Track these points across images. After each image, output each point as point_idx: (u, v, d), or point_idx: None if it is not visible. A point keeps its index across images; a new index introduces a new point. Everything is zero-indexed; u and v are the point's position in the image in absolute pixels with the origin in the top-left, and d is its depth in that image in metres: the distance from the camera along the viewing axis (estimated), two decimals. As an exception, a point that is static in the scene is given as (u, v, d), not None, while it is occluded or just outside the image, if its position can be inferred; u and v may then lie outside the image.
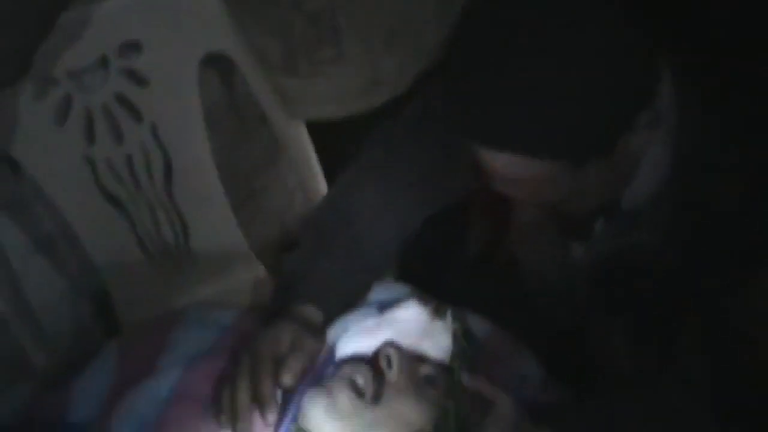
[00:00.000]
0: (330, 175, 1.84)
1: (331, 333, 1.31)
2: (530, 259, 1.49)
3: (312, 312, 1.31)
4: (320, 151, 1.87)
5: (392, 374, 1.18)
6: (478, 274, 1.61)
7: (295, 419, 1.16)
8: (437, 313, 1.31)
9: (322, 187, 1.86)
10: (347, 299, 1.36)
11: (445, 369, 1.23)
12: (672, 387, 1.21)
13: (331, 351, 1.28)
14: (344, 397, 1.15)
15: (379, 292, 1.42)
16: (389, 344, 1.21)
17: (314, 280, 1.33)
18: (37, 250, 1.66)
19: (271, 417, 1.16)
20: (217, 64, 1.74)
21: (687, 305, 1.21)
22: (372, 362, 1.20)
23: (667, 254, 1.23)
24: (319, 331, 1.30)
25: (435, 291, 1.41)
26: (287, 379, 1.19)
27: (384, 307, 1.35)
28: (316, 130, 1.84)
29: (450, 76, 1.13)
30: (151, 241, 1.76)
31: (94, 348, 1.41)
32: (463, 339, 1.27)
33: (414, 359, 1.22)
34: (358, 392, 1.16)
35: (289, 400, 1.18)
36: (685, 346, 1.22)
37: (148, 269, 1.77)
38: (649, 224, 1.25)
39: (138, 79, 1.67)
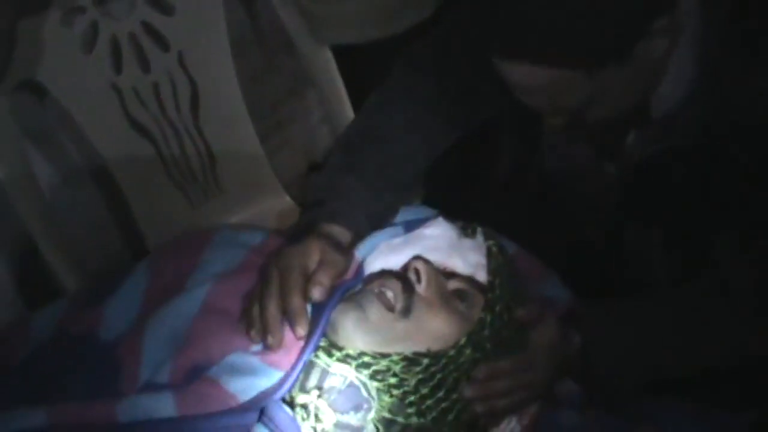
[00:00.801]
0: (358, 105, 1.83)
1: (359, 250, 1.31)
2: (562, 176, 1.49)
3: (340, 231, 1.31)
4: (348, 81, 1.86)
5: (421, 287, 1.18)
6: (507, 198, 1.61)
7: (325, 333, 1.17)
8: (466, 231, 1.31)
9: (349, 117, 1.85)
10: (375, 219, 1.36)
11: (476, 283, 1.23)
12: (710, 293, 1.22)
13: (360, 267, 1.28)
14: (374, 310, 1.16)
15: (406, 214, 1.42)
16: (418, 258, 1.22)
17: (342, 199, 1.33)
18: (66, 180, 1.68)
19: (302, 330, 1.16)
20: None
21: (724, 215, 1.21)
22: (401, 276, 1.20)
23: (701, 159, 1.24)
24: (346, 248, 1.30)
25: (463, 215, 1.40)
26: (316, 293, 1.19)
27: (411, 226, 1.35)
28: (344, 59, 1.84)
29: None
30: (178, 169, 1.78)
31: (124, 272, 1.42)
32: (500, 254, 1.27)
33: (443, 273, 1.23)
34: (388, 305, 1.17)
35: (318, 314, 1.18)
36: (724, 257, 1.22)
37: (175, 197, 1.79)
38: (681, 129, 1.25)
39: (164, 7, 1.68)
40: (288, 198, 1.89)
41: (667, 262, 1.36)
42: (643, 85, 1.21)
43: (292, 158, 1.98)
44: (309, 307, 1.20)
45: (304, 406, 1.12)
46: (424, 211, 1.44)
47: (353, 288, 1.23)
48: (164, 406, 1.09)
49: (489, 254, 1.27)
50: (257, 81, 1.86)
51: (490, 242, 1.28)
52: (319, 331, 1.15)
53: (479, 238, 1.30)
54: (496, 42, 1.13)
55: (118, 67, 1.66)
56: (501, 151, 1.63)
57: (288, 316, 1.17)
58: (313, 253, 1.24)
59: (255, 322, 1.18)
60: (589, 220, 1.47)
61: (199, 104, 1.76)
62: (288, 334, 1.17)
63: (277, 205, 1.87)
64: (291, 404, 1.13)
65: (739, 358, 1.24)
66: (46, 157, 1.66)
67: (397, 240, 1.31)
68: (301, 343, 1.16)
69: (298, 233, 1.31)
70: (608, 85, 1.15)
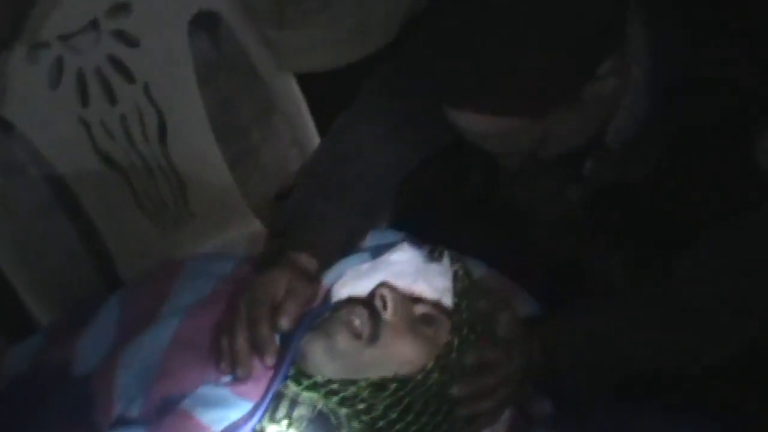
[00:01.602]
0: (323, 130, 1.85)
1: (327, 277, 1.33)
2: (525, 200, 1.51)
3: (307, 259, 1.33)
4: (313, 106, 1.88)
5: (388, 314, 1.20)
6: (474, 220, 1.63)
7: (294, 362, 1.18)
8: (432, 255, 1.32)
9: (316, 141, 1.86)
10: (342, 245, 1.38)
11: (442, 307, 1.25)
12: (664, 296, 1.24)
13: (327, 295, 1.30)
14: (342, 338, 1.18)
15: (373, 239, 1.44)
16: (384, 285, 1.23)
17: (309, 227, 1.35)
18: (36, 213, 1.69)
19: (270, 360, 1.18)
20: (207, 21, 1.76)
21: (683, 232, 1.23)
22: (368, 303, 1.22)
23: (660, 185, 1.25)
24: (313, 277, 1.32)
25: (431, 236, 1.41)
26: (284, 323, 1.21)
27: (378, 252, 1.36)
28: (308, 85, 1.85)
29: (420, 35, 1.16)
30: (149, 200, 1.78)
31: (97, 303, 1.43)
32: (466, 278, 1.28)
33: (409, 299, 1.24)
34: (356, 333, 1.18)
35: (287, 344, 1.20)
36: (682, 269, 1.24)
37: (146, 227, 1.79)
38: (637, 157, 1.27)
39: (129, 40, 1.69)
40: (258, 223, 1.89)
41: (626, 283, 1.38)
42: (595, 122, 1.22)
43: (262, 183, 1.98)
44: (277, 338, 1.21)
45: (274, 436, 1.13)
46: (391, 236, 1.45)
47: (321, 316, 1.24)
48: None
49: (455, 278, 1.28)
50: (224, 108, 1.87)
51: (456, 266, 1.29)
52: (287, 361, 1.17)
53: (446, 262, 1.31)
54: (441, 89, 1.14)
55: (84, 101, 1.67)
56: (467, 172, 1.65)
57: (256, 347, 1.19)
58: (280, 283, 1.26)
59: (224, 354, 1.19)
60: (553, 242, 1.49)
61: (166, 134, 1.76)
62: (258, 365, 1.19)
63: (248, 230, 1.87)
64: (262, 433, 1.14)
65: (694, 360, 1.26)
66: (16, 191, 1.66)
67: (364, 266, 1.33)
68: (270, 373, 1.18)
69: (266, 262, 1.32)
70: (558, 127, 1.16)
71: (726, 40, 1.18)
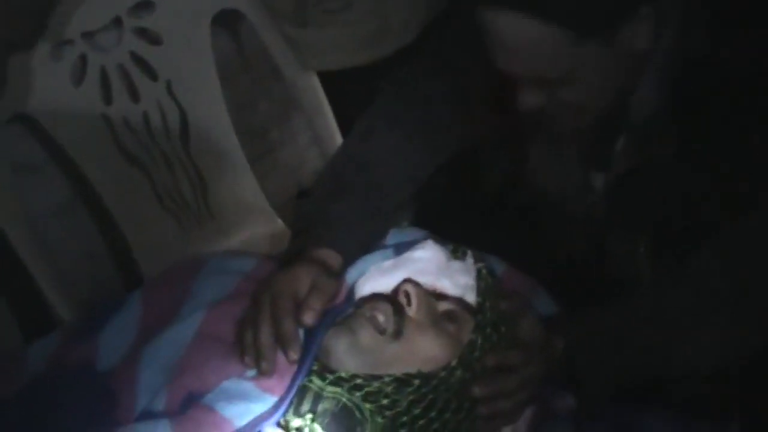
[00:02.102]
0: (345, 128, 1.86)
1: (350, 274, 1.33)
2: (549, 190, 1.50)
3: (330, 255, 1.33)
4: (334, 104, 1.89)
5: (412, 310, 1.20)
6: (495, 216, 1.63)
7: (317, 357, 1.18)
8: (455, 253, 1.33)
9: (337, 140, 1.87)
10: (364, 243, 1.38)
11: (466, 305, 1.25)
12: (687, 296, 1.24)
13: (350, 291, 1.30)
14: (366, 334, 1.18)
15: (395, 236, 1.44)
16: (408, 281, 1.23)
17: (332, 224, 1.35)
18: (59, 210, 1.70)
19: (294, 355, 1.18)
20: (229, 20, 1.77)
21: (706, 223, 1.24)
22: (392, 299, 1.22)
23: (682, 169, 1.26)
24: (337, 273, 1.32)
25: (452, 235, 1.42)
26: (308, 318, 1.21)
27: (401, 249, 1.37)
28: (330, 83, 1.86)
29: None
30: (170, 197, 1.79)
31: (118, 301, 1.43)
32: (489, 276, 1.28)
33: (433, 296, 1.25)
34: (379, 328, 1.18)
35: (310, 339, 1.20)
36: (705, 259, 1.24)
37: (167, 225, 1.80)
38: (660, 136, 1.27)
39: (151, 37, 1.71)
40: (279, 221, 1.90)
41: (651, 272, 1.38)
42: (622, 79, 1.24)
43: (283, 182, 2.00)
44: (301, 332, 1.21)
45: (299, 430, 1.14)
46: (414, 233, 1.45)
47: (344, 312, 1.25)
48: None
49: (479, 276, 1.28)
50: (246, 107, 1.89)
51: (480, 265, 1.30)
52: (310, 356, 1.17)
53: (469, 260, 1.31)
54: None
55: (108, 98, 1.68)
56: (489, 170, 1.65)
57: (280, 342, 1.19)
58: (304, 278, 1.26)
59: (248, 349, 1.19)
60: (575, 235, 1.49)
61: (188, 132, 1.78)
62: (281, 359, 1.19)
63: (269, 228, 1.89)
64: (286, 428, 1.15)
65: (716, 362, 1.26)
66: (39, 189, 1.68)
67: (387, 263, 1.33)
68: (294, 367, 1.18)
69: (289, 259, 1.33)
70: (589, 65, 1.17)
71: (756, 30, 1.19)
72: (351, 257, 1.35)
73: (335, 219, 1.36)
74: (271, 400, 1.15)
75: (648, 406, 1.28)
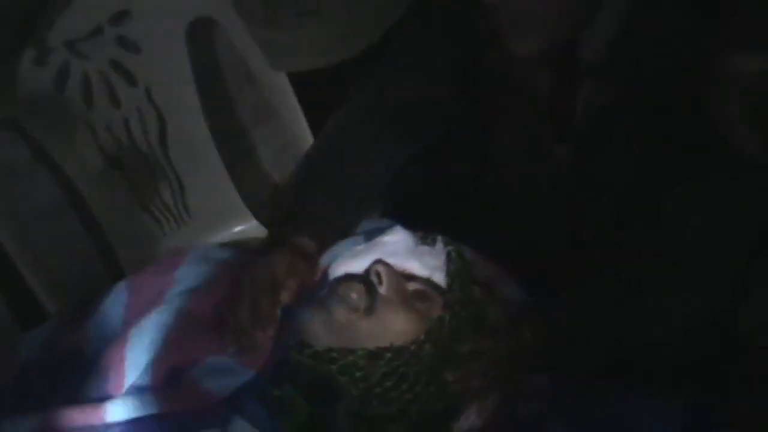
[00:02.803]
0: (316, 129, 1.91)
1: (324, 258, 1.39)
2: (518, 168, 1.53)
3: (306, 242, 1.40)
4: (305, 106, 1.95)
5: (383, 288, 1.25)
6: (463, 205, 1.68)
7: (295, 333, 1.25)
8: (424, 240, 1.38)
9: (310, 140, 1.93)
10: (339, 231, 1.45)
11: (434, 285, 1.30)
12: (656, 266, 1.30)
13: (325, 273, 1.37)
14: (340, 311, 1.24)
15: (366, 225, 1.51)
16: (379, 261, 1.29)
17: (308, 215, 1.42)
18: (46, 212, 1.76)
19: (271, 331, 1.25)
20: (203, 27, 1.83)
21: (670, 170, 1.29)
22: (364, 279, 1.28)
23: (642, 113, 1.31)
24: (312, 257, 1.39)
25: (420, 227, 1.45)
26: (284, 297, 1.28)
27: (372, 236, 1.43)
28: (300, 85, 1.92)
29: None
30: (150, 199, 1.86)
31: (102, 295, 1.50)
32: (459, 258, 1.33)
33: (403, 276, 1.30)
34: (352, 306, 1.24)
35: (287, 317, 1.27)
36: (670, 218, 1.29)
37: (148, 226, 1.86)
38: (617, 77, 1.32)
39: (131, 45, 1.77)
40: (255, 222, 1.97)
41: (621, 233, 1.41)
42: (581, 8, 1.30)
43: (259, 184, 2.05)
44: (279, 312, 1.29)
45: (279, 399, 1.20)
46: (384, 223, 1.52)
47: (320, 292, 1.31)
48: (149, 405, 1.17)
49: (449, 258, 1.33)
50: (222, 111, 1.95)
51: (450, 248, 1.35)
52: (287, 332, 1.24)
53: (438, 245, 1.36)
54: None
55: (90, 103, 1.75)
56: (458, 156, 1.70)
57: (258, 320, 1.26)
58: (282, 262, 1.33)
59: (229, 327, 1.27)
60: (545, 213, 1.52)
61: (167, 136, 1.84)
62: (260, 336, 1.26)
63: (246, 230, 1.95)
64: (266, 399, 1.21)
65: (684, 327, 1.31)
66: (26, 191, 1.73)
67: (359, 247, 1.39)
68: (271, 343, 1.25)
69: (268, 246, 1.40)
70: None
71: None
72: (326, 243, 1.42)
73: (311, 208, 1.43)
74: (251, 374, 1.21)
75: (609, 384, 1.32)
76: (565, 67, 1.36)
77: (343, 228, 1.46)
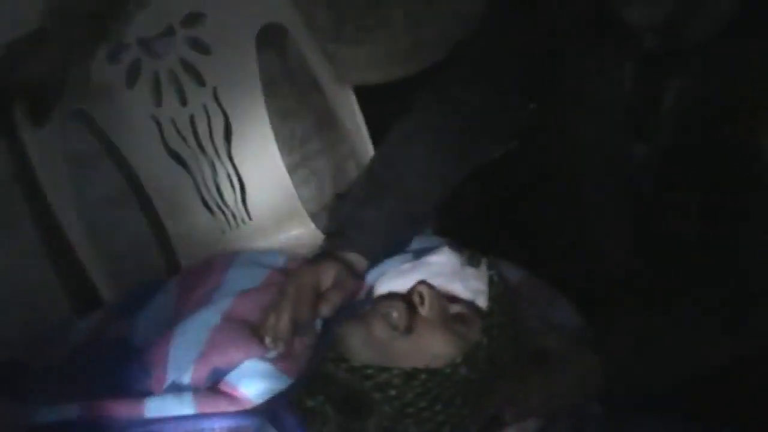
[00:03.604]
0: (378, 141, 1.93)
1: (370, 275, 1.41)
2: (590, 169, 1.49)
3: (357, 258, 1.42)
4: (369, 118, 1.98)
5: (424, 309, 1.27)
6: (517, 225, 1.69)
7: (332, 345, 1.26)
8: (470, 260, 1.39)
9: (371, 152, 1.95)
10: (391, 248, 1.46)
11: (476, 308, 1.31)
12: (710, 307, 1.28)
13: (369, 291, 1.39)
14: (380, 328, 1.25)
15: (416, 243, 1.53)
16: (422, 282, 1.30)
17: (363, 229, 1.43)
18: (109, 201, 1.81)
19: (307, 340, 1.28)
20: (273, 34, 1.88)
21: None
22: (406, 298, 1.29)
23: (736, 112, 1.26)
24: (360, 274, 1.41)
25: (474, 242, 1.46)
26: (325, 310, 1.30)
27: (420, 254, 1.44)
28: (365, 98, 1.95)
29: None
30: (210, 196, 1.90)
31: (156, 286, 1.54)
32: (500, 283, 1.34)
33: (445, 298, 1.31)
34: (393, 324, 1.25)
35: (326, 330, 1.30)
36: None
37: (207, 222, 1.90)
38: (715, 71, 1.27)
39: (201, 46, 1.82)
40: (313, 227, 2.00)
41: (703, 236, 1.36)
42: None
43: (319, 191, 2.09)
44: (319, 322, 1.31)
45: (311, 410, 1.22)
46: (434, 241, 1.53)
47: (362, 308, 1.33)
48: (186, 405, 1.21)
49: (490, 283, 1.34)
50: (286, 117, 1.98)
51: (492, 272, 1.35)
52: (325, 342, 1.26)
53: (482, 267, 1.37)
54: None
55: (158, 100, 1.80)
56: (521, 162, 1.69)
57: (297, 327, 1.29)
58: (328, 273, 1.36)
59: (269, 331, 1.29)
60: (617, 219, 1.48)
61: (231, 136, 1.88)
62: (298, 344, 1.29)
63: (304, 234, 1.98)
64: (299, 408, 1.22)
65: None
66: (92, 181, 1.80)
67: (405, 266, 1.40)
68: (310, 352, 1.28)
69: (318, 256, 1.42)
70: None
71: None
72: (376, 261, 1.44)
73: (366, 224, 1.44)
74: (287, 380, 1.24)
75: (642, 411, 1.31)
76: (656, 56, 1.32)
77: (395, 245, 1.48)
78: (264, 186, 1.95)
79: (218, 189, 1.91)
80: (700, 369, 1.31)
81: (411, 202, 1.47)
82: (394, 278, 1.38)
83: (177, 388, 1.25)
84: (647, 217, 1.43)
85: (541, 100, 1.49)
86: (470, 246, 1.45)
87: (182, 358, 1.28)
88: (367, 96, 1.94)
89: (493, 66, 1.51)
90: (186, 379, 1.26)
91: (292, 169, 2.00)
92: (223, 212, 1.92)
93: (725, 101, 1.29)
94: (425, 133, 1.51)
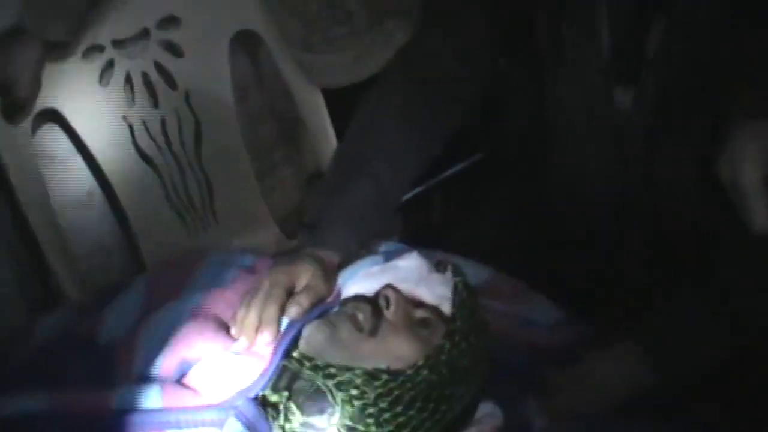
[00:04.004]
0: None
1: (342, 276, 1.44)
2: (574, 121, 1.46)
3: (330, 255, 1.45)
4: (337, 123, 2.01)
5: (389, 313, 1.29)
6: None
7: (295, 342, 1.29)
8: (437, 266, 1.42)
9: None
10: (364, 240, 1.49)
11: (440, 314, 1.34)
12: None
13: (338, 294, 1.41)
14: (345, 329, 1.28)
15: (386, 247, 1.56)
16: (389, 286, 1.32)
17: (334, 223, 1.46)
18: (78, 201, 1.82)
19: (269, 337, 1.30)
20: (246, 41, 1.90)
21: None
22: (372, 301, 1.31)
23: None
24: (333, 274, 1.44)
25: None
26: (293, 312, 1.33)
27: (389, 257, 1.48)
28: (333, 102, 1.99)
29: None
30: (178, 199, 1.91)
31: (123, 286, 1.55)
32: (464, 290, 1.36)
33: (411, 302, 1.34)
34: (358, 326, 1.28)
35: (292, 327, 1.32)
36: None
37: (174, 224, 1.91)
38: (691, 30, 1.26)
39: (175, 50, 1.84)
40: (279, 233, 2.02)
41: (700, 194, 1.33)
42: None
43: (285, 198, 2.10)
44: (285, 321, 1.33)
45: (275, 406, 1.24)
46: (403, 247, 1.57)
47: (330, 310, 1.36)
48: (152, 398, 1.22)
49: (455, 290, 1.36)
50: (255, 123, 2.00)
51: (457, 279, 1.38)
52: (287, 340, 1.28)
53: (448, 274, 1.39)
54: None
55: (130, 101, 1.82)
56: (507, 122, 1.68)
57: (261, 323, 1.31)
58: (302, 275, 1.38)
59: (236, 324, 1.32)
60: (607, 184, 1.46)
61: (201, 140, 1.90)
62: (265, 341, 1.31)
63: (269, 238, 1.99)
64: (263, 403, 1.25)
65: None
66: (62, 179, 1.80)
67: (374, 269, 1.42)
68: (270, 349, 1.29)
69: (295, 254, 1.45)
70: None
71: None
72: (350, 255, 1.47)
73: (339, 215, 1.46)
74: (252, 376, 1.26)
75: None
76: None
77: (368, 235, 1.51)
78: (232, 190, 1.97)
79: (186, 192, 1.92)
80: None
81: (382, 183, 1.48)
82: (363, 280, 1.40)
83: (144, 382, 1.26)
84: (638, 174, 1.41)
85: (512, 53, 1.49)
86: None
87: (151, 354, 1.30)
88: (335, 100, 1.95)
89: (461, 19, 1.51)
90: (155, 372, 1.28)
91: (259, 175, 2.01)
92: (190, 214, 1.94)
93: (710, 43, 1.29)
94: (389, 110, 1.52)
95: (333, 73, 1.90)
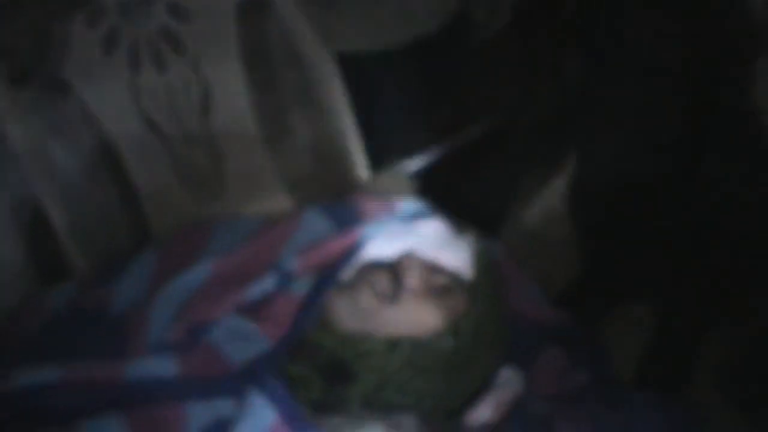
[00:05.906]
0: (359, 116, 1.94)
1: (364, 233, 1.40)
2: None
3: None
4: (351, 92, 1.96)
5: (410, 280, 1.28)
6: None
7: (317, 310, 1.27)
8: (458, 231, 1.40)
9: (350, 125, 1.96)
10: None
11: (461, 280, 1.32)
12: None
13: (356, 247, 1.38)
14: (365, 297, 1.27)
15: (407, 207, 1.52)
16: (409, 253, 1.31)
17: None
18: (84, 169, 1.78)
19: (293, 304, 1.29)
20: (256, 4, 1.85)
21: None
22: (393, 268, 1.30)
23: None
24: None
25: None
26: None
27: (410, 219, 1.45)
28: (347, 71, 1.94)
29: None
30: (187, 167, 1.88)
31: (131, 257, 1.53)
32: (485, 257, 1.36)
33: (431, 269, 1.32)
34: (378, 294, 1.27)
35: (313, 295, 1.30)
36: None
37: (182, 193, 1.87)
38: None
39: (182, 14, 1.79)
40: (290, 199, 1.98)
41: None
42: None
43: (296, 163, 2.07)
44: (306, 288, 1.30)
45: (296, 376, 1.23)
46: (424, 208, 1.53)
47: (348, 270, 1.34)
48: (167, 367, 1.20)
49: (476, 257, 1.35)
50: (265, 89, 1.96)
51: (479, 245, 1.37)
52: (311, 309, 1.26)
53: (470, 239, 1.38)
54: None
55: (136, 67, 1.77)
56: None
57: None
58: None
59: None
60: None
61: (209, 106, 1.86)
62: (282, 309, 1.28)
63: (280, 206, 1.96)
64: (283, 374, 1.23)
65: None
66: (67, 148, 1.76)
67: (395, 231, 1.40)
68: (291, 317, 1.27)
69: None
70: None
71: None
72: None
73: None
74: (268, 343, 1.23)
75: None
76: None
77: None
78: (241, 157, 1.92)
79: (194, 159, 1.88)
80: None
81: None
82: (382, 243, 1.38)
83: (157, 350, 1.24)
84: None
85: None
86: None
87: (163, 320, 1.29)
88: (349, 69, 1.92)
89: None
90: (168, 337, 1.26)
91: (269, 140, 1.97)
92: (198, 183, 1.90)
93: None
94: None
95: (352, 36, 1.86)
